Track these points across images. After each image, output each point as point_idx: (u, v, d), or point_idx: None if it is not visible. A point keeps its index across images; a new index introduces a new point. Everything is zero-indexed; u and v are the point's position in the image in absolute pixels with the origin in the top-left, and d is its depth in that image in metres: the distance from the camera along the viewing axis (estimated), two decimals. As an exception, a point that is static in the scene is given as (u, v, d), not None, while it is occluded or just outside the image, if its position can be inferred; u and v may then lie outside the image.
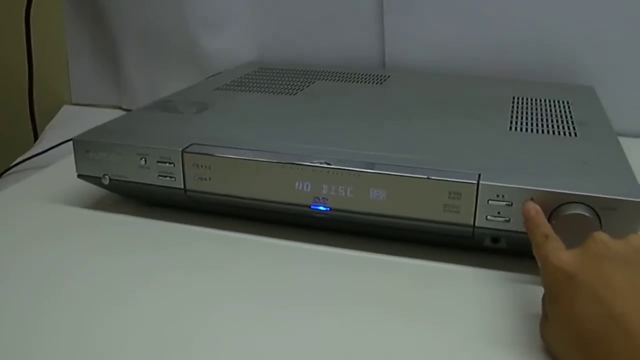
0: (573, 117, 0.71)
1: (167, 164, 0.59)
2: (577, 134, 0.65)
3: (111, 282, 0.53)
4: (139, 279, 0.53)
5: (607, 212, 0.50)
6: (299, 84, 0.85)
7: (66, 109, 1.15)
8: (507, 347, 0.45)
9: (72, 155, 0.63)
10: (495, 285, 0.53)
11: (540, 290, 0.45)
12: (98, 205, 0.67)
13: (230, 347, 0.45)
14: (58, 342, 0.45)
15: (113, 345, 0.45)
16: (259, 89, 0.82)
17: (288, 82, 0.86)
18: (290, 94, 0.80)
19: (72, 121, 1.09)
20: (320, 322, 0.47)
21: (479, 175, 0.52)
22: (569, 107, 0.75)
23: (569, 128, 0.66)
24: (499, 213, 0.52)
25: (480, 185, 0.52)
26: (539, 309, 0.46)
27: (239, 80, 0.87)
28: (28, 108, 1.09)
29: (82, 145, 0.62)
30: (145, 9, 1.04)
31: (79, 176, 0.64)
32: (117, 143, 0.61)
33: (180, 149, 0.59)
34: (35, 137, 1.10)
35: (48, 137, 1.05)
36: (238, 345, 0.45)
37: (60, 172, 0.75)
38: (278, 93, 0.80)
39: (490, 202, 0.52)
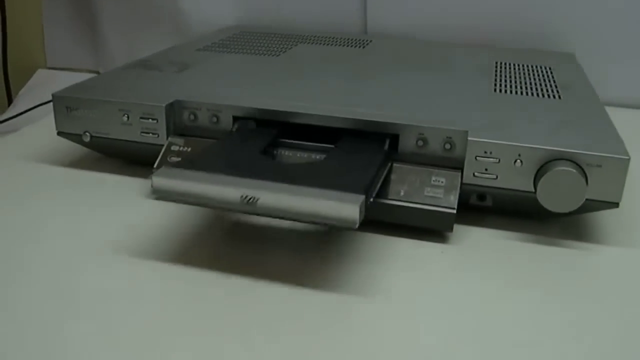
0: (556, 81, 0.71)
1: (150, 120, 0.59)
2: (561, 96, 0.65)
3: (92, 239, 0.52)
4: (120, 235, 0.52)
5: (593, 169, 0.50)
6: (281, 46, 0.84)
7: (41, 73, 1.13)
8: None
9: (49, 117, 0.62)
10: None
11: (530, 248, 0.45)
12: (78, 163, 0.66)
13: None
14: (36, 300, 0.45)
15: (92, 302, 0.44)
16: (241, 51, 0.81)
17: (270, 45, 0.85)
18: (273, 55, 0.79)
19: (47, 85, 1.07)
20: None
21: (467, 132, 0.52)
22: (551, 72, 0.75)
23: (552, 91, 0.67)
24: (486, 170, 0.52)
25: (468, 142, 0.52)
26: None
27: (220, 42, 0.86)
28: (2, 72, 1.07)
29: (62, 102, 0.61)
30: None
31: (59, 134, 0.62)
32: (98, 99, 0.60)
33: (164, 105, 0.58)
34: (10, 102, 1.08)
35: (22, 101, 1.03)
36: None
37: (37, 131, 0.74)
38: (260, 54, 0.79)
39: (478, 158, 0.52)
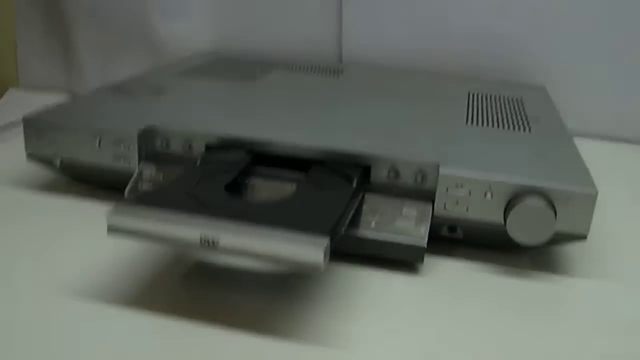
0: (527, 113, 0.72)
1: (123, 146, 0.58)
2: (531, 129, 0.66)
3: (60, 266, 0.51)
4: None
5: (561, 203, 0.51)
6: (257, 73, 0.84)
7: (12, 93, 1.11)
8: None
9: (19, 138, 0.62)
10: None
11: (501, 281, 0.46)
12: (48, 187, 0.65)
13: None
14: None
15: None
16: (216, 76, 0.81)
17: (245, 71, 0.85)
18: (248, 81, 0.79)
19: (18, 105, 1.05)
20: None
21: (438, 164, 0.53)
22: (522, 104, 0.76)
23: (523, 123, 0.68)
24: (457, 202, 0.53)
25: (439, 174, 0.52)
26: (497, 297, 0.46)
27: (196, 67, 0.86)
28: (-28, 90, 1.06)
29: (33, 124, 0.61)
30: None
31: (29, 157, 0.62)
32: (70, 123, 0.60)
33: (136, 131, 0.58)
34: (-21, 121, 1.06)
35: (-8, 121, 1.01)
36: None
37: (7, 153, 0.73)
38: (235, 80, 0.79)
39: (449, 190, 0.52)
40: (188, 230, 0.41)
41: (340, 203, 0.48)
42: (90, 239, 0.55)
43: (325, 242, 0.40)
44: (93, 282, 0.49)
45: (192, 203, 0.46)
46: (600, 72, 0.92)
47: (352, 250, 0.53)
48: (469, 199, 0.52)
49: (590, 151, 0.65)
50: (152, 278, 0.50)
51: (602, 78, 0.92)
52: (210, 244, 0.41)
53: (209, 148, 0.58)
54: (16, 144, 0.62)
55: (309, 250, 0.39)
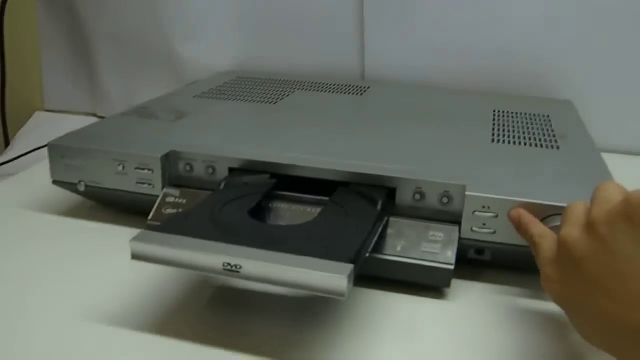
0: (554, 130, 0.71)
1: (146, 170, 0.58)
2: (559, 146, 0.65)
3: (84, 291, 0.51)
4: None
5: (592, 224, 0.49)
6: (279, 93, 0.84)
7: (38, 116, 1.13)
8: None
9: (46, 161, 0.62)
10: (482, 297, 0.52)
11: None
12: (73, 212, 0.65)
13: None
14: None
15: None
16: (238, 98, 0.81)
17: (267, 92, 0.85)
18: (270, 103, 0.79)
19: (44, 128, 1.07)
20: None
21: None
22: (549, 120, 0.75)
23: (550, 141, 0.66)
24: (484, 225, 0.51)
25: (466, 197, 0.51)
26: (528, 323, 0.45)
27: (218, 88, 0.86)
28: (0, 114, 1.07)
29: (58, 150, 0.61)
30: (121, 14, 1.02)
31: (54, 182, 0.62)
32: (94, 149, 0.60)
33: (160, 156, 0.58)
34: (7, 144, 1.08)
35: (19, 144, 1.02)
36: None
37: (33, 178, 0.73)
38: (257, 102, 0.79)
39: (476, 213, 0.51)
40: (211, 257, 0.41)
41: (365, 228, 0.47)
42: (114, 263, 0.54)
43: (348, 269, 0.39)
44: (117, 306, 0.49)
45: (215, 230, 0.46)
46: (628, 85, 0.90)
47: (379, 274, 0.52)
48: (497, 221, 0.51)
49: (619, 167, 0.64)
50: (176, 302, 0.50)
51: (630, 91, 0.90)
52: (233, 271, 0.41)
53: (232, 171, 0.58)
54: (43, 167, 0.63)
55: (332, 277, 0.39)
